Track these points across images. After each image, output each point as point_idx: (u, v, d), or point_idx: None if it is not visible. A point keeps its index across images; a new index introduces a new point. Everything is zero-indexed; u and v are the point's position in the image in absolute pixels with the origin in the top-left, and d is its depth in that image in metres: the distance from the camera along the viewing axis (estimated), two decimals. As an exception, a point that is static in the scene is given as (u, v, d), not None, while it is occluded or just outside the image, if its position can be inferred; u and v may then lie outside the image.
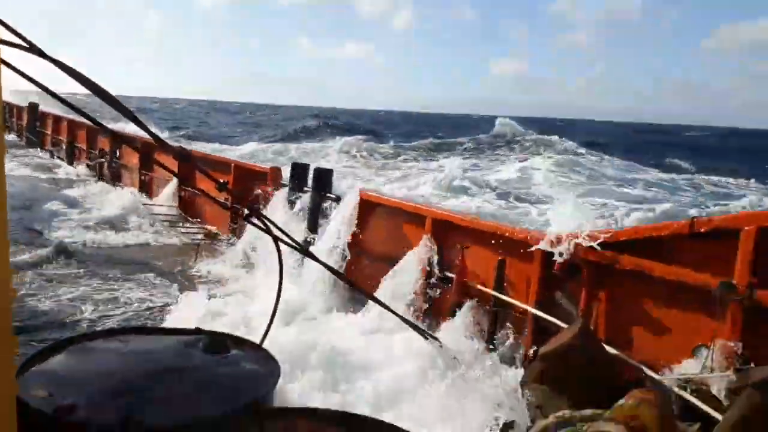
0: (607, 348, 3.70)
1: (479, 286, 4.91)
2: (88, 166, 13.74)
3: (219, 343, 2.18)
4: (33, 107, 18.61)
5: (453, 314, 5.03)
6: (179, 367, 1.96)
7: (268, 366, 2.08)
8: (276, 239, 3.38)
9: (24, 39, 2.42)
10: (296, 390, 4.01)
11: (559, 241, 4.23)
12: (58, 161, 15.75)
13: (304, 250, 3.79)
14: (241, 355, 2.15)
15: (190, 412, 1.65)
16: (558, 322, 4.15)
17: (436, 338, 5.09)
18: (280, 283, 3.08)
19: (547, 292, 4.42)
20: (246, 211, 3.24)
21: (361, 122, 56.59)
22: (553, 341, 3.64)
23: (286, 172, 7.39)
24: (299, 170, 6.97)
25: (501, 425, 2.66)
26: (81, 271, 6.61)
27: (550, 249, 4.26)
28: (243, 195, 7.79)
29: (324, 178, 6.59)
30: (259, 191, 7.58)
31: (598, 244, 3.98)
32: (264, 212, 7.33)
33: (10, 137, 21.03)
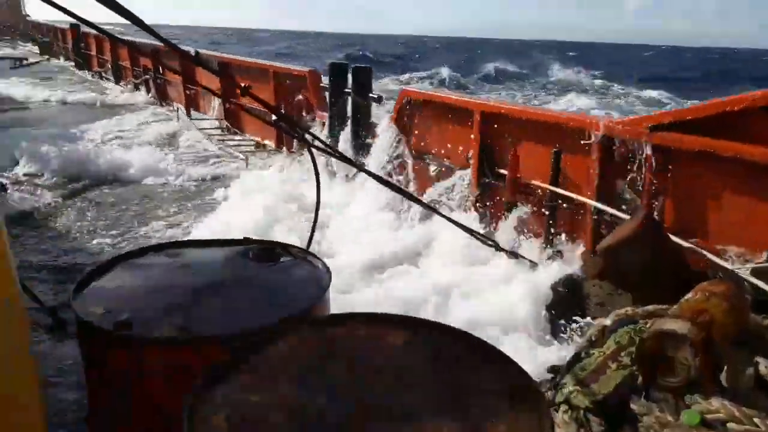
0: (674, 238, 3.44)
1: (534, 182, 4.65)
2: (134, 84, 13.76)
3: (268, 251, 2.12)
4: (75, 28, 18.57)
5: (507, 214, 4.83)
6: (230, 277, 1.97)
7: (318, 270, 2.03)
8: (309, 145, 3.22)
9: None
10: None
11: (619, 125, 3.89)
12: (105, 83, 15.86)
13: (344, 157, 3.61)
14: (291, 262, 2.10)
15: (246, 320, 1.64)
16: (620, 214, 3.90)
17: (491, 240, 4.94)
18: (318, 190, 2.95)
19: (607, 183, 4.12)
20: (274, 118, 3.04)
21: (397, 51, 52.50)
22: (614, 234, 3.40)
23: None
24: (338, 71, 6.67)
25: (548, 368, 2.51)
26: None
27: (610, 135, 3.94)
28: (283, 103, 7.62)
29: (363, 77, 6.29)
30: (300, 96, 7.36)
31: (662, 126, 3.63)
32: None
33: (59, 62, 21.31)
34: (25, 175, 6.96)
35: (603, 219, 4.08)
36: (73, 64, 19.36)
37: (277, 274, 1.99)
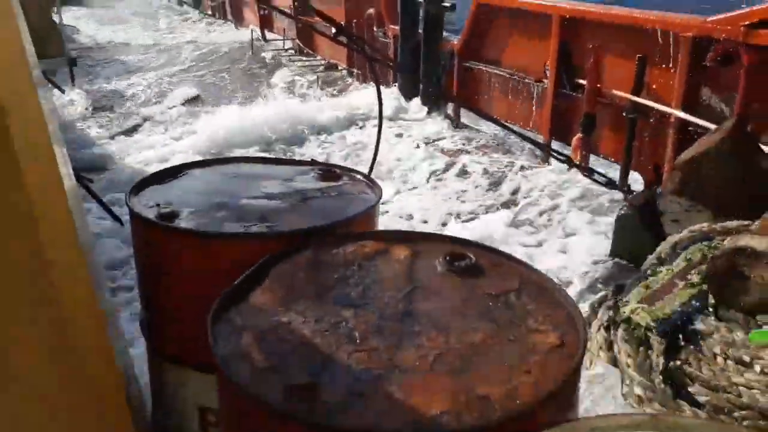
0: (766, 150, 3.12)
1: (614, 92, 4.33)
2: (211, 7, 13.85)
3: (329, 171, 2.13)
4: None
5: (584, 127, 4.55)
6: (287, 190, 1.97)
7: (371, 190, 2.01)
8: (371, 59, 3.12)
9: None
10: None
11: (714, 23, 3.49)
12: (186, 7, 16.06)
13: (398, 66, 3.47)
14: (350, 183, 2.09)
15: (287, 225, 1.64)
16: (707, 124, 3.57)
17: (565, 156, 4.71)
18: (381, 114, 2.85)
19: (694, 92, 3.77)
20: (333, 30, 2.94)
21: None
22: (697, 145, 3.13)
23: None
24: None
25: (612, 288, 2.37)
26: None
27: (701, 36, 3.56)
28: (354, 17, 7.41)
29: (435, -15, 5.96)
30: (372, 10, 7.12)
31: (762, 23, 3.23)
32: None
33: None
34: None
35: (687, 130, 3.77)
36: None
37: (332, 190, 2.00)
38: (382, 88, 3.06)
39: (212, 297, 1.33)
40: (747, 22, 3.29)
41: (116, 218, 3.51)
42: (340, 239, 1.54)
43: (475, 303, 1.26)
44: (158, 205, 1.75)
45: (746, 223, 2.28)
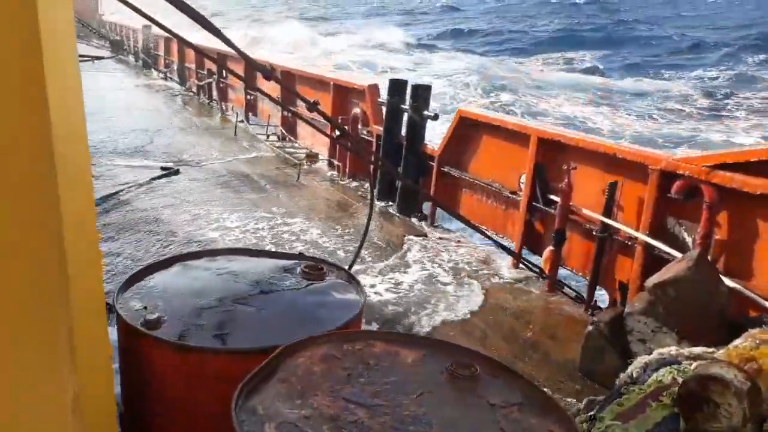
0: (727, 280, 3.37)
1: (585, 211, 4.61)
2: (198, 86, 14.23)
3: (315, 268, 2.19)
4: (147, 30, 19.33)
5: (555, 241, 4.79)
6: (272, 290, 1.99)
7: (355, 293, 2.07)
8: (371, 163, 3.30)
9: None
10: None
11: (680, 161, 3.84)
12: (171, 83, 16.44)
13: (396, 173, 3.67)
14: (334, 283, 2.15)
15: (274, 336, 1.65)
16: (671, 251, 3.83)
17: (537, 267, 4.91)
18: (371, 209, 3.01)
19: (660, 219, 4.06)
20: (337, 132, 3.13)
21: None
22: (664, 270, 3.35)
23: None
24: (397, 87, 6.76)
25: (584, 402, 2.49)
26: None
27: (669, 171, 3.89)
28: (340, 113, 7.76)
29: (422, 94, 6.36)
30: (357, 110, 7.48)
31: (725, 165, 3.56)
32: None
33: (129, 59, 22.23)
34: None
35: (653, 254, 4.02)
36: (141, 63, 20.15)
37: (315, 293, 2.03)
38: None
39: (193, 405, 1.36)
40: (709, 164, 3.63)
41: None
42: (351, 335, 1.61)
43: (481, 413, 1.34)
44: (145, 307, 1.79)
45: (711, 350, 2.44)
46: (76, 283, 1.24)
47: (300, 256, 2.32)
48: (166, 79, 17.13)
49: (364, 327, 1.95)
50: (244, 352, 1.64)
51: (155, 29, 18.65)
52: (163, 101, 13.64)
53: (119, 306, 1.76)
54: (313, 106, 3.19)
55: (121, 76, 17.55)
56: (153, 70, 18.69)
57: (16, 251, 1.16)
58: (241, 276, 2.05)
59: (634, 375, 2.51)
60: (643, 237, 4.06)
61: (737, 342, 2.23)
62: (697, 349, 2.50)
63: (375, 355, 1.53)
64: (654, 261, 3.94)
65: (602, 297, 4.65)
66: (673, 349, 2.56)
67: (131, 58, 22.18)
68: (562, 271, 4.95)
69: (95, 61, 19.71)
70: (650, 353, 2.64)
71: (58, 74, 1.19)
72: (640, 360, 2.60)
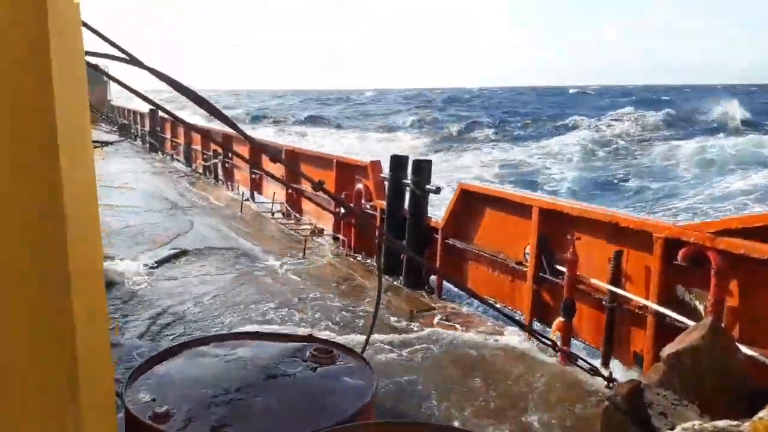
0: (743, 348, 3.30)
1: (593, 281, 4.59)
2: (204, 167, 14.51)
3: (325, 352, 2.16)
4: (154, 113, 19.92)
5: (565, 311, 4.74)
6: (280, 376, 1.96)
7: (366, 379, 2.02)
8: (380, 239, 3.33)
9: (124, 51, 2.52)
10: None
11: (684, 228, 3.85)
12: (177, 164, 16.78)
13: (401, 246, 3.68)
14: (344, 368, 2.11)
15: (279, 428, 1.61)
16: (683, 319, 3.79)
17: (549, 340, 4.84)
18: (380, 288, 3.00)
19: (669, 286, 4.04)
20: (342, 210, 3.17)
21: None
22: (678, 340, 3.29)
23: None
24: (398, 162, 6.89)
25: None
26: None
27: (673, 238, 3.90)
28: (344, 190, 7.88)
29: (423, 169, 6.47)
30: (361, 186, 7.59)
31: (729, 231, 3.58)
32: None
33: (137, 143, 22.78)
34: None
35: (664, 323, 3.97)
36: (148, 146, 20.63)
37: (324, 379, 1.99)
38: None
39: None
40: (716, 229, 3.65)
41: None
42: (355, 429, 1.57)
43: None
44: (153, 399, 1.76)
45: (735, 423, 2.37)
46: (85, 375, 1.24)
47: (310, 338, 2.29)
48: (172, 160, 17.50)
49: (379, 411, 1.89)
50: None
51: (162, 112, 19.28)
52: (170, 182, 13.87)
53: (127, 399, 1.73)
54: (318, 186, 3.24)
55: (128, 161, 17.93)
56: (159, 152, 19.12)
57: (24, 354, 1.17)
58: (250, 362, 2.03)
59: (658, 452, 2.42)
60: (653, 306, 4.02)
61: (763, 414, 2.17)
62: (722, 423, 2.42)
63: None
64: (666, 330, 3.89)
65: (618, 367, 4.55)
66: (696, 424, 2.48)
67: (138, 142, 22.74)
68: (575, 342, 4.87)
69: (104, 147, 20.24)
70: (672, 427, 2.57)
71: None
72: (663, 435, 2.52)
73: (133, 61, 2.51)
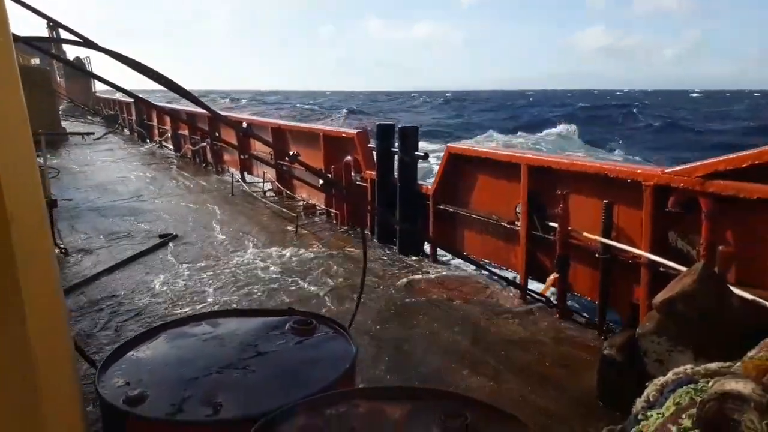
0: (736, 290, 3.28)
1: (585, 234, 4.55)
2: (192, 152, 14.39)
3: (306, 323, 2.11)
4: (139, 102, 19.65)
5: (559, 267, 4.71)
6: (260, 351, 1.91)
7: (346, 347, 1.98)
8: (368, 211, 3.27)
9: (77, 35, 2.43)
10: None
11: (672, 174, 3.80)
12: (166, 151, 16.65)
13: (390, 217, 3.63)
14: (324, 338, 2.07)
15: (262, 400, 1.58)
16: (676, 266, 3.75)
17: (544, 297, 4.82)
18: (365, 265, 2.96)
19: (661, 235, 4.00)
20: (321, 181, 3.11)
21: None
22: (670, 287, 3.26)
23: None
24: (385, 131, 6.81)
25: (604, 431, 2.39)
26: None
27: (662, 185, 3.84)
28: (333, 163, 7.79)
29: (410, 136, 6.39)
30: (350, 158, 7.51)
31: (717, 173, 3.52)
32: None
33: (125, 132, 22.58)
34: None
35: (658, 271, 3.94)
36: (136, 136, 20.43)
37: (305, 351, 1.95)
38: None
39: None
40: (705, 173, 3.59)
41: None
42: (331, 398, 1.53)
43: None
44: (127, 383, 1.71)
45: (727, 364, 2.34)
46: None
47: (290, 311, 2.25)
48: (161, 147, 17.36)
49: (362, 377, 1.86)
50: (230, 422, 1.56)
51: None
52: (160, 168, 13.77)
53: (101, 385, 1.69)
54: (293, 158, 3.18)
55: (115, 148, 17.78)
56: (148, 141, 18.96)
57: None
58: (228, 339, 1.98)
59: (651, 399, 2.40)
60: (646, 255, 3.99)
61: (752, 353, 2.13)
62: (713, 365, 2.40)
63: (359, 416, 1.45)
64: (660, 278, 3.86)
65: (616, 319, 4.54)
66: (688, 368, 2.46)
67: (126, 132, 22.53)
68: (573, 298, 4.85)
69: (85, 137, 20.05)
70: (667, 374, 2.54)
71: None
72: (656, 382, 2.49)
73: (87, 43, 2.42)
